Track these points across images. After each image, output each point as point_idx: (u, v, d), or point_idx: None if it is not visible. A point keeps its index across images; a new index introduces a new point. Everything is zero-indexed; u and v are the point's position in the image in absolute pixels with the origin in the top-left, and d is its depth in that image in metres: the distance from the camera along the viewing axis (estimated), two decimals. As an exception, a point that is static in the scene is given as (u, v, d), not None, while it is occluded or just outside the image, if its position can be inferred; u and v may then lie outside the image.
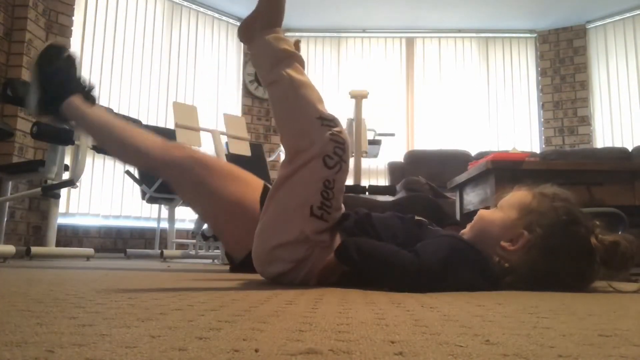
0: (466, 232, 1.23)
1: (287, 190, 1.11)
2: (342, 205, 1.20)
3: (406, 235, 1.19)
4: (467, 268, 1.08)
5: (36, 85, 1.62)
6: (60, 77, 1.64)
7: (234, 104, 5.67)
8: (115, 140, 1.52)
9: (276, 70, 1.13)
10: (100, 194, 4.52)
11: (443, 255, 1.04)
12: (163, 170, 1.55)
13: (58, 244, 3.38)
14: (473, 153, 4.98)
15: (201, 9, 5.51)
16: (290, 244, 1.10)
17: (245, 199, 1.57)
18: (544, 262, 1.11)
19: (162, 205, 4.35)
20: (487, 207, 2.24)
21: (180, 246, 4.39)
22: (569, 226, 1.11)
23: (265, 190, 1.60)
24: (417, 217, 1.29)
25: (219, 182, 1.57)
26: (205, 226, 3.18)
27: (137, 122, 3.25)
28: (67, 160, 3.10)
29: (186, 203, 1.77)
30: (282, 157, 6.09)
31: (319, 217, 1.09)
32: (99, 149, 2.96)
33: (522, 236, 1.13)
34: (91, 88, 1.71)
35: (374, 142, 4.51)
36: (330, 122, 1.10)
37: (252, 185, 1.65)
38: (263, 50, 1.15)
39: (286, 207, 1.10)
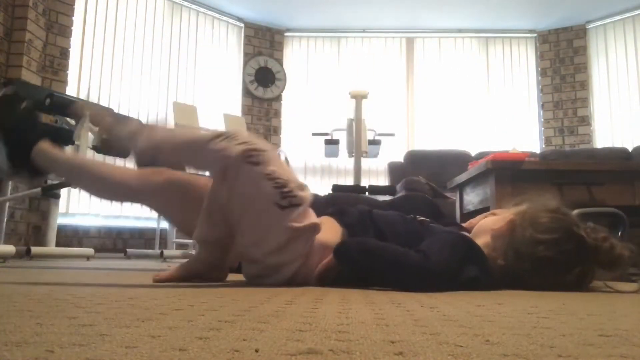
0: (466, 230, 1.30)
1: (242, 206, 1.12)
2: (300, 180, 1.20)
3: (409, 233, 1.20)
4: (470, 262, 1.11)
5: (1, 143, 1.56)
6: (22, 126, 1.59)
7: (234, 104, 5.66)
8: (92, 178, 1.54)
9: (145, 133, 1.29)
10: (100, 194, 4.51)
11: (449, 252, 1.07)
12: (147, 200, 1.59)
13: (58, 244, 3.37)
14: (473, 153, 4.98)
15: (201, 9, 5.50)
16: (287, 244, 1.11)
17: None
18: (523, 234, 1.14)
19: (162, 205, 4.35)
20: (487, 207, 2.25)
21: (180, 246, 4.38)
22: (556, 213, 1.17)
23: None
24: (419, 217, 1.30)
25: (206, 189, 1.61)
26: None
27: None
28: (67, 160, 3.09)
29: (177, 225, 1.75)
30: (282, 157, 6.08)
31: (288, 206, 1.10)
32: (98, 149, 2.95)
33: (509, 218, 1.20)
34: (58, 128, 1.68)
35: (374, 142, 4.50)
36: (224, 136, 1.15)
37: None
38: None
39: (257, 218, 1.11)
